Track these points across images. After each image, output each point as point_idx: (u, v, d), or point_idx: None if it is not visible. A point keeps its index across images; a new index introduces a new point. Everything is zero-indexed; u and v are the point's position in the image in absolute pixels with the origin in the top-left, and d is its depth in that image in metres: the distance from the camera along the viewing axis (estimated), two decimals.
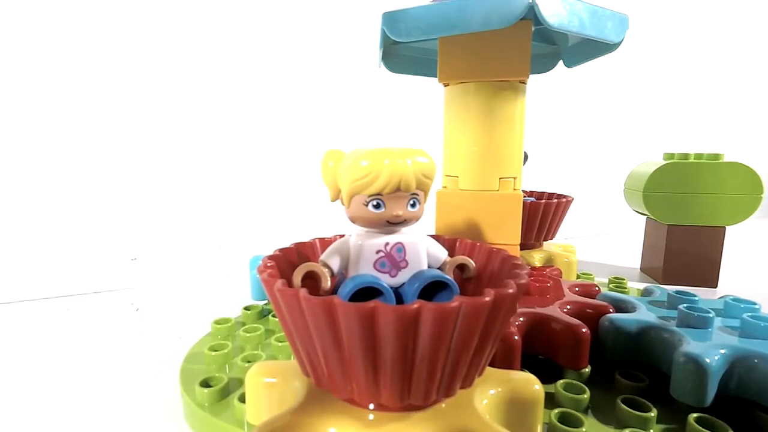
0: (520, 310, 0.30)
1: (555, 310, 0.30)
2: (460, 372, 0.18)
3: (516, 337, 0.27)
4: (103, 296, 0.49)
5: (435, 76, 0.33)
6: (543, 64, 0.41)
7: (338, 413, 0.19)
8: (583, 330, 0.28)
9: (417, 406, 0.19)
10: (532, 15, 0.25)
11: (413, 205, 0.21)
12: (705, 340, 0.26)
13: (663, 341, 0.27)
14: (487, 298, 0.16)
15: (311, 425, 0.18)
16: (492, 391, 0.21)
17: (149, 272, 0.55)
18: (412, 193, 0.21)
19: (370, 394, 0.17)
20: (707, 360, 0.24)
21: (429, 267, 0.22)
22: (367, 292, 0.20)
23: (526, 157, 0.49)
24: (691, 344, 0.25)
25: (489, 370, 0.22)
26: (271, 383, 0.22)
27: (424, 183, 0.21)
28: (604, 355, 0.29)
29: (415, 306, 0.15)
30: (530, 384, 0.21)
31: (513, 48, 0.31)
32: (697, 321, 0.28)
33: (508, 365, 0.26)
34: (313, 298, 0.16)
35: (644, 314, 0.30)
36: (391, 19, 0.29)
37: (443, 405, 0.19)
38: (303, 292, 0.16)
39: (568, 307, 0.31)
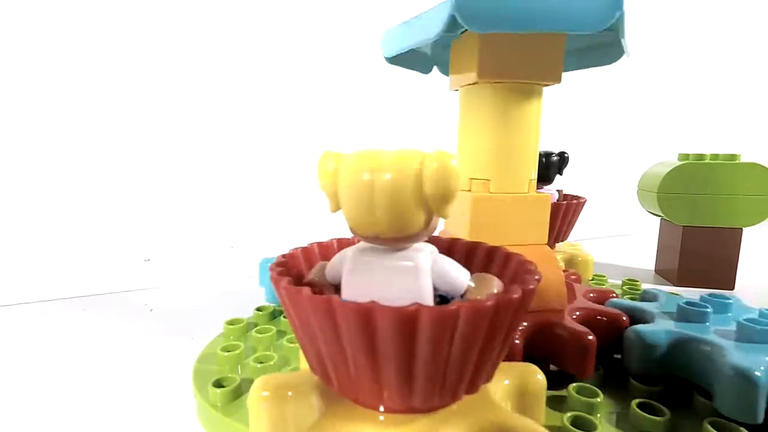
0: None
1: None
2: (485, 368, 0.18)
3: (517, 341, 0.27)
4: (116, 297, 0.50)
5: None
6: (611, 54, 0.35)
7: (365, 420, 0.18)
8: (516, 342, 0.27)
9: (442, 405, 0.19)
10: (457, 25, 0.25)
11: None
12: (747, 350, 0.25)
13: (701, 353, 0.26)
14: (516, 295, 0.16)
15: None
16: (507, 381, 0.21)
17: (162, 273, 0.56)
18: None
19: (401, 397, 0.17)
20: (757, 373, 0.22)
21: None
22: None
23: (566, 160, 0.48)
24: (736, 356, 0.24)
25: None
26: (285, 397, 0.19)
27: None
28: (629, 370, 0.28)
29: (453, 307, 0.15)
30: (533, 374, 0.21)
31: (544, 51, 0.30)
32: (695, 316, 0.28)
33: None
34: (347, 303, 0.16)
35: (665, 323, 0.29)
36: (384, 37, 0.34)
37: (466, 401, 0.19)
38: (336, 298, 0.16)
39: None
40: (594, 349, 0.27)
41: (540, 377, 0.21)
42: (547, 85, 0.31)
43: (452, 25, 0.25)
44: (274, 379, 0.20)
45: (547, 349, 0.28)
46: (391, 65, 0.37)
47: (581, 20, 0.24)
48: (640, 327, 0.28)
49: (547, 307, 0.30)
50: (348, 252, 0.19)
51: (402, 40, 0.31)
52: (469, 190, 0.32)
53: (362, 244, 0.19)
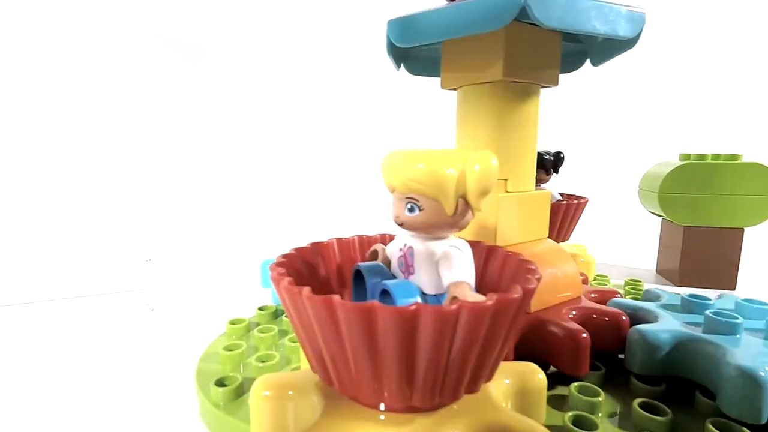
0: None
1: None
2: (486, 368, 0.18)
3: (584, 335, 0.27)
4: (118, 297, 0.50)
5: None
6: (570, 63, 0.38)
7: (365, 419, 0.18)
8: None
9: (442, 404, 0.19)
10: (525, 16, 0.24)
11: (411, 210, 0.20)
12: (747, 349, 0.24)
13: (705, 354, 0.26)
14: (516, 295, 0.17)
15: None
16: (507, 380, 0.21)
17: (164, 273, 0.56)
18: (407, 197, 0.20)
19: (402, 396, 0.17)
20: (761, 373, 0.22)
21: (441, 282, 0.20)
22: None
23: (561, 159, 0.48)
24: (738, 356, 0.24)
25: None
26: (285, 396, 0.20)
27: (415, 188, 0.19)
28: (630, 369, 0.28)
29: (454, 307, 0.15)
30: (534, 374, 0.22)
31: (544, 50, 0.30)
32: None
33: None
34: (348, 303, 0.16)
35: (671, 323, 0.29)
36: (394, 26, 0.30)
37: (467, 400, 0.19)
38: (337, 298, 0.16)
39: None
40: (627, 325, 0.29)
41: (541, 377, 0.22)
42: (547, 86, 0.32)
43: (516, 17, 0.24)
44: (275, 378, 0.20)
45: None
46: (382, 61, 0.36)
47: (623, 27, 0.27)
48: (643, 327, 0.29)
49: (566, 298, 0.31)
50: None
51: (433, 31, 0.28)
52: None
53: None
